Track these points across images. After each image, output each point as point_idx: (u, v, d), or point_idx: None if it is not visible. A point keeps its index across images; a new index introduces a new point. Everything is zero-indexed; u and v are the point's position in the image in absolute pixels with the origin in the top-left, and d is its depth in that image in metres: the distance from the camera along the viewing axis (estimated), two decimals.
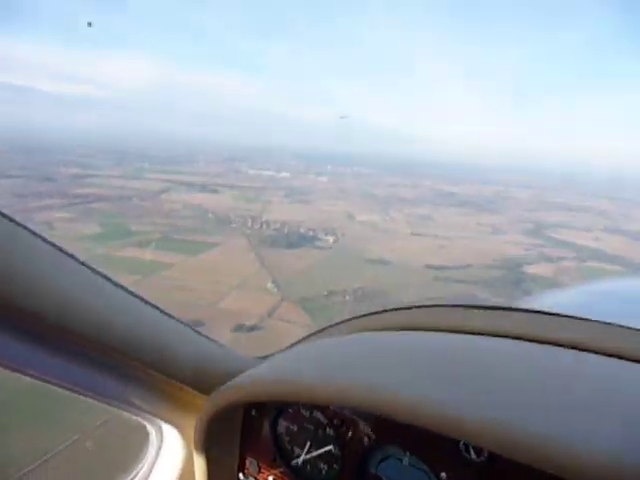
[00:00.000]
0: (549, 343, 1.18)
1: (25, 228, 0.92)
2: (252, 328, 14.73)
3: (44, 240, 0.96)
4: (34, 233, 0.94)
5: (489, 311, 1.40)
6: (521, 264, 25.63)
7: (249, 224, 26.70)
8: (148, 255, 19.92)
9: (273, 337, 14.08)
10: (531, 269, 24.82)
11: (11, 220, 0.89)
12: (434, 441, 1.02)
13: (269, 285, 18.69)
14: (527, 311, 1.38)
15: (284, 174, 45.64)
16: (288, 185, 41.19)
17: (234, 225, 26.69)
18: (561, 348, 1.16)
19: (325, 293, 18.41)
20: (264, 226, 26.68)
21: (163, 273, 18.15)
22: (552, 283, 21.83)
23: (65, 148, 39.53)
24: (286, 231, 26.10)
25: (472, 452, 0.99)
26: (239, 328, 14.20)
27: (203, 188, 35.22)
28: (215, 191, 34.59)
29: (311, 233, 26.32)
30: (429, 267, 23.24)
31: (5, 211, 0.85)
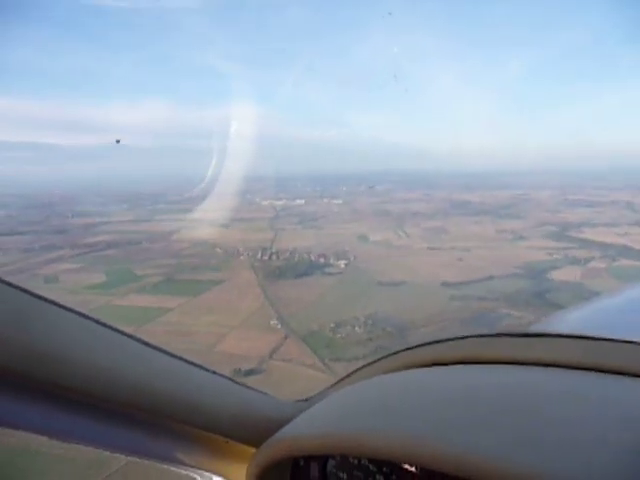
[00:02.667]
0: (602, 371, 1.10)
1: (45, 300, 0.92)
2: (250, 372, 13.23)
3: (67, 309, 0.96)
4: (55, 304, 0.94)
5: (532, 339, 1.32)
6: (546, 270, 23.53)
7: (258, 256, 25.36)
8: (147, 301, 18.78)
9: (273, 382, 12.62)
10: (557, 275, 22.71)
11: (31, 294, 0.90)
12: None
13: (272, 322, 17.22)
14: (572, 337, 1.28)
15: (298, 201, 44.53)
16: (301, 211, 40.00)
17: (242, 258, 25.40)
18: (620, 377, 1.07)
19: (332, 325, 16.80)
20: (273, 257, 25.28)
21: (160, 319, 16.89)
22: (580, 290, 19.83)
23: (80, 198, 39.43)
24: (296, 260, 24.63)
25: None
26: (236, 373, 12.72)
27: (214, 224, 34.27)
28: (226, 226, 33.59)
29: (322, 259, 24.73)
30: (445, 285, 21.33)
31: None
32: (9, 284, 0.91)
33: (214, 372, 1.28)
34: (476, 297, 19.87)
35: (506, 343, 1.36)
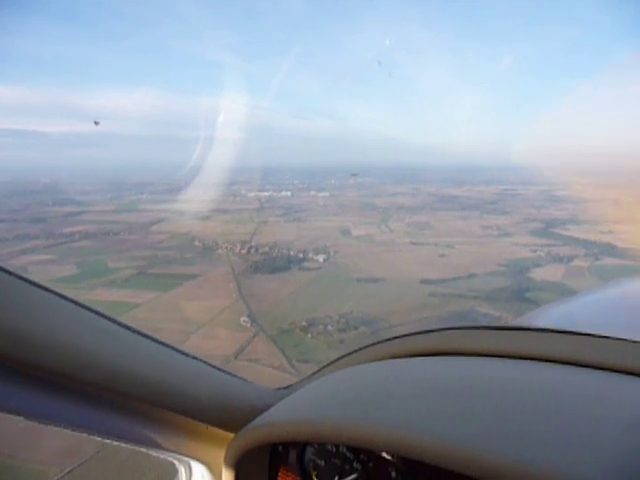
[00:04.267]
0: (582, 366, 1.13)
1: (27, 281, 0.93)
2: None
3: (50, 291, 0.97)
4: (38, 285, 0.95)
5: (513, 332, 1.33)
6: (528, 268, 23.00)
7: (237, 249, 24.61)
8: (115, 296, 18.03)
9: None
10: (538, 274, 22.18)
11: (14, 275, 0.91)
12: (464, 478, 0.90)
13: (242, 319, 16.50)
14: (551, 331, 1.30)
15: (284, 193, 43.82)
16: (286, 204, 39.29)
17: (220, 252, 24.62)
18: (602, 372, 1.10)
19: (304, 323, 16.12)
20: (252, 250, 24.52)
21: (126, 315, 16.11)
22: (561, 289, 19.30)
23: (65, 186, 38.51)
24: (274, 254, 23.88)
25: None
26: None
27: (195, 215, 33.39)
28: (207, 217, 32.77)
29: (301, 254, 24.00)
30: (425, 282, 20.69)
31: None
32: None
33: (195, 357, 1.25)
34: (455, 295, 19.27)
35: (487, 336, 1.36)
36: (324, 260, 23.47)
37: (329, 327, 15.92)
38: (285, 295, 19.39)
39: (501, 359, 1.22)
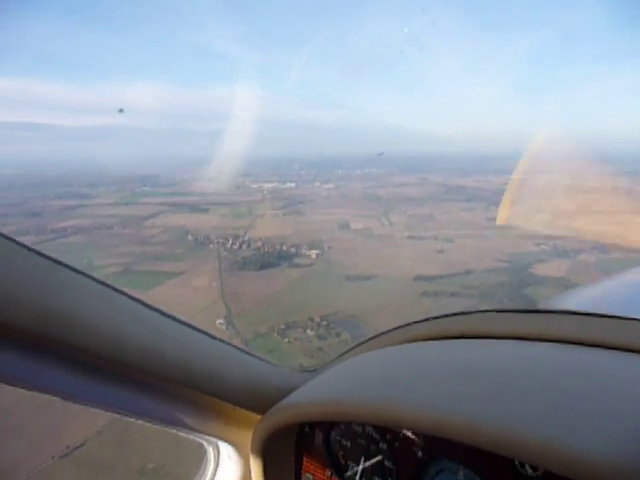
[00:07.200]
0: (607, 347, 1.11)
1: (59, 263, 0.92)
2: None
3: (91, 278, 0.96)
4: (70, 267, 0.94)
5: (538, 315, 1.32)
6: (531, 264, 21.46)
7: (228, 244, 23.46)
8: None
9: None
10: (541, 269, 20.68)
11: (45, 256, 0.91)
12: (489, 456, 0.93)
13: (218, 321, 15.35)
14: (575, 313, 1.28)
15: (288, 185, 42.66)
16: (289, 196, 38.07)
17: (212, 246, 23.49)
18: (625, 353, 1.08)
19: (283, 326, 14.92)
20: (244, 246, 23.33)
21: None
22: (565, 287, 17.83)
23: (70, 179, 37.85)
24: (266, 249, 22.65)
25: (528, 467, 0.93)
26: None
27: (194, 208, 32.30)
28: (205, 210, 31.69)
29: (293, 249, 22.75)
30: (419, 279, 19.31)
31: None
32: (23, 245, 0.88)
33: (222, 340, 1.25)
34: (449, 293, 17.89)
35: (510, 319, 1.34)
36: (317, 256, 22.17)
37: (308, 331, 14.70)
38: (269, 294, 18.17)
39: (524, 341, 1.19)
